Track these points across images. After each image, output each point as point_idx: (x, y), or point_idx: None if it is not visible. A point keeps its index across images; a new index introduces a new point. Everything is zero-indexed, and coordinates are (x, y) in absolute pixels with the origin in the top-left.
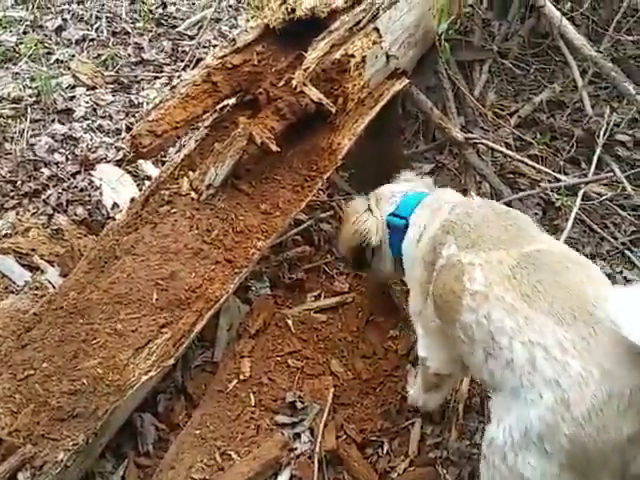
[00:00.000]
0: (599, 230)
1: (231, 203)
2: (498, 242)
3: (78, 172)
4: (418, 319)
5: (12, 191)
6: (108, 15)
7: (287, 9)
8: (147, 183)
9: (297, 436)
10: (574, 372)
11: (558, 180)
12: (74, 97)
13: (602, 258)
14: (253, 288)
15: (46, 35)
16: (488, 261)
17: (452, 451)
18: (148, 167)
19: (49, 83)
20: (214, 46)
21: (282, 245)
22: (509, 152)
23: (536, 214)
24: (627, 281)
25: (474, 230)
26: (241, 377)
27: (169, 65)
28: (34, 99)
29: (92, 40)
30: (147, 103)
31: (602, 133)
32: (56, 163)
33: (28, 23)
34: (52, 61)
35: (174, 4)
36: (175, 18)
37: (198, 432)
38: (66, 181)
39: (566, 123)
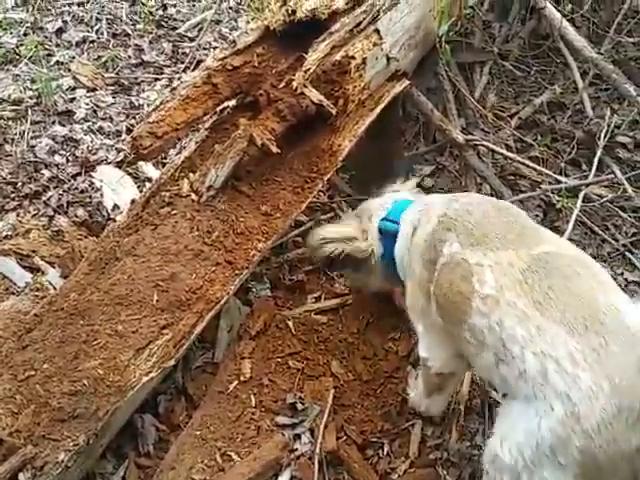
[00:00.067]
0: (600, 232)
1: (231, 205)
2: (505, 241)
3: (79, 174)
4: (418, 318)
5: (13, 192)
6: (108, 17)
7: (287, 11)
8: (147, 185)
9: (297, 437)
10: (584, 386)
11: (559, 182)
12: (74, 99)
13: (603, 260)
14: (254, 289)
15: (46, 37)
16: (498, 262)
17: (453, 452)
18: (148, 169)
19: (49, 85)
20: (214, 48)
21: (283, 246)
22: (510, 154)
23: (537, 216)
24: (628, 282)
25: (477, 227)
26: (241, 378)
27: (169, 67)
28: (34, 101)
29: (92, 42)
30: (147, 105)
31: (603, 135)
32: (57, 165)
33: (28, 25)
34: (52, 63)
35: (174, 6)
36: (175, 20)
37: (198, 433)
38: (67, 183)
39: (567, 125)
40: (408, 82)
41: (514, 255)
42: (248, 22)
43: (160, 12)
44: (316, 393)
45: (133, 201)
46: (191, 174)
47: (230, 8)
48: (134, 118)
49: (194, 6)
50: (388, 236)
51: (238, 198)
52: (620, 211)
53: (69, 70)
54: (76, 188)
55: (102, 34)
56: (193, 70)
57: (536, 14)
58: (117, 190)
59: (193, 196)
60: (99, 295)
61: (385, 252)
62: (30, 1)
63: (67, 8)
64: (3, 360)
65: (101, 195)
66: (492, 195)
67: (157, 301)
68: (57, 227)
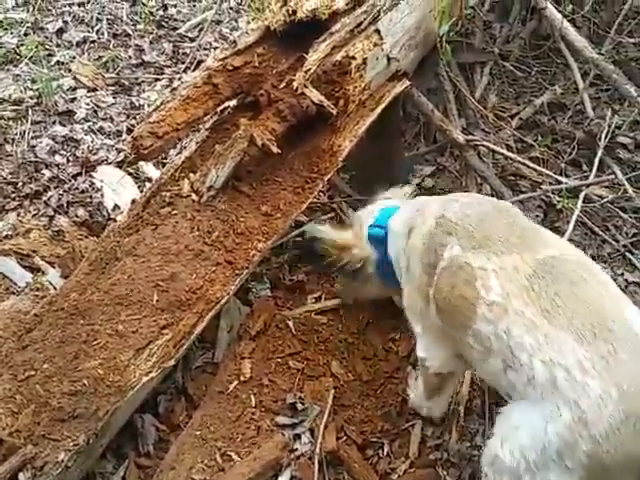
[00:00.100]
0: (600, 232)
1: (232, 205)
2: (509, 245)
3: (79, 174)
4: (416, 319)
5: (13, 192)
6: (109, 17)
7: (288, 11)
8: (148, 185)
9: (297, 437)
10: (593, 393)
11: (559, 182)
12: (75, 99)
13: (603, 261)
14: (254, 290)
15: (47, 37)
16: (502, 267)
17: (453, 453)
18: (149, 169)
19: (50, 85)
20: (215, 48)
21: (283, 247)
22: (510, 154)
23: (537, 216)
24: (628, 283)
25: (477, 230)
26: (242, 378)
27: (170, 67)
28: (35, 101)
29: (93, 42)
30: (148, 105)
31: (603, 135)
32: (57, 165)
33: (29, 25)
34: (53, 63)
35: (175, 6)
36: (176, 20)
37: (198, 433)
38: (67, 183)
39: (567, 125)
40: (409, 82)
41: (519, 259)
42: (248, 22)
43: (161, 12)
44: (316, 393)
45: (133, 201)
46: (192, 174)
47: (231, 8)
48: (134, 118)
49: (194, 6)
50: (377, 242)
51: (238, 198)
52: (621, 212)
53: (70, 70)
54: (76, 188)
55: (103, 34)
56: (194, 70)
57: (537, 14)
58: (117, 190)
59: (193, 196)
60: (99, 295)
61: (378, 258)
62: (31, 1)
63: (68, 8)
64: (3, 360)
65: (101, 195)
66: (493, 195)
67: (157, 301)
68: (57, 227)
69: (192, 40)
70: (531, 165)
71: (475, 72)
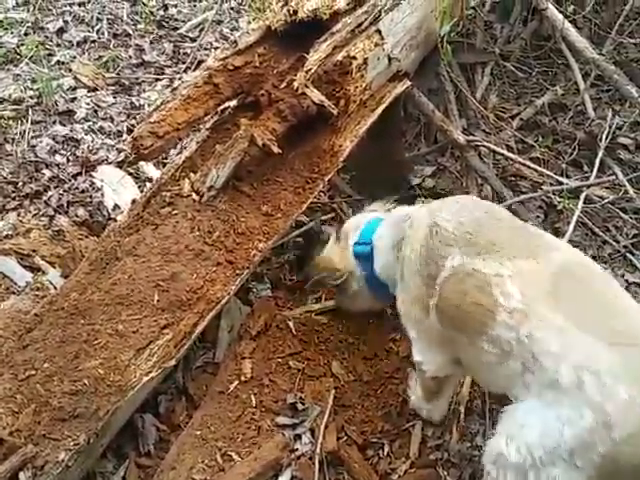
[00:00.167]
0: (601, 233)
1: (232, 205)
2: (518, 249)
3: (79, 173)
4: (411, 325)
5: (13, 192)
6: (109, 17)
7: (289, 11)
8: (148, 185)
9: (298, 437)
10: (620, 398)
11: (560, 183)
12: (75, 99)
13: (604, 261)
14: (254, 290)
15: (47, 37)
16: (518, 272)
17: (453, 453)
18: (149, 169)
19: (50, 85)
20: (215, 48)
21: (283, 247)
22: (511, 155)
23: (538, 217)
24: (629, 284)
25: (478, 236)
26: (242, 378)
27: (170, 67)
28: (35, 100)
29: (93, 42)
30: (148, 105)
31: (604, 136)
32: (57, 164)
33: (29, 25)
34: (53, 63)
35: (175, 6)
36: (176, 20)
37: (199, 433)
38: (67, 182)
39: (568, 126)
40: (409, 83)
41: (535, 264)
42: (249, 22)
43: (161, 12)
44: (316, 393)
45: (134, 201)
46: (192, 174)
47: (231, 8)
48: (135, 118)
49: (195, 6)
50: (364, 259)
51: (239, 198)
52: (621, 212)
53: (70, 70)
54: (77, 188)
55: (103, 34)
56: (194, 70)
57: (538, 15)
58: (118, 190)
59: (194, 196)
60: (100, 295)
61: (366, 274)
62: (31, 1)
63: (68, 8)
64: (4, 359)
65: (102, 195)
66: (494, 196)
67: (158, 301)
68: (58, 227)
69: (193, 40)
70: (532, 166)
71: (476, 72)
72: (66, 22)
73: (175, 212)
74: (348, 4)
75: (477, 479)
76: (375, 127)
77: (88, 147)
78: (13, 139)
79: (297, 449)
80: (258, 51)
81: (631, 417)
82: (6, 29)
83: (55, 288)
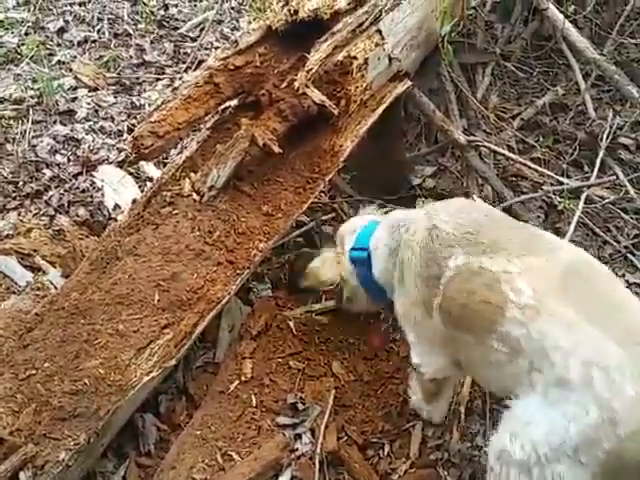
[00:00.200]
0: (601, 233)
1: (233, 204)
2: (525, 247)
3: (80, 173)
4: (410, 328)
5: (14, 192)
6: (110, 17)
7: (289, 11)
8: (149, 184)
9: (298, 437)
10: (627, 395)
11: (561, 183)
12: (76, 98)
13: (604, 262)
14: (255, 289)
15: (48, 36)
16: (528, 269)
17: (453, 453)
18: (150, 168)
19: (51, 84)
20: (216, 48)
21: (284, 247)
22: (511, 155)
23: (538, 217)
24: (629, 284)
25: (480, 235)
26: (242, 378)
27: (171, 67)
28: (36, 100)
29: (94, 41)
30: (149, 105)
31: (605, 136)
32: (58, 164)
33: (30, 24)
34: (54, 62)
35: (176, 6)
36: (177, 20)
37: (199, 432)
38: (68, 182)
39: (569, 126)
40: (410, 83)
41: (544, 261)
42: (250, 22)
43: (162, 12)
44: (317, 393)
45: (134, 201)
46: (192, 174)
47: (232, 8)
48: (135, 118)
49: (196, 6)
50: (361, 264)
51: (239, 198)
52: (622, 213)
53: (70, 70)
54: (77, 188)
55: (104, 34)
56: (195, 70)
57: (538, 15)
58: (118, 190)
59: (194, 196)
60: (100, 294)
61: (363, 279)
62: (32, 1)
63: (68, 8)
64: (4, 359)
65: (102, 195)
66: (494, 196)
67: (158, 301)
68: (58, 226)
69: (193, 40)
70: (532, 166)
71: (477, 73)
72: (67, 22)
73: (176, 212)
74: (349, 4)
75: (477, 479)
76: (376, 127)
77: (89, 147)
78: (14, 139)
79: (297, 449)
80: (259, 51)
81: (637, 414)
82: (7, 29)
83: (55, 288)
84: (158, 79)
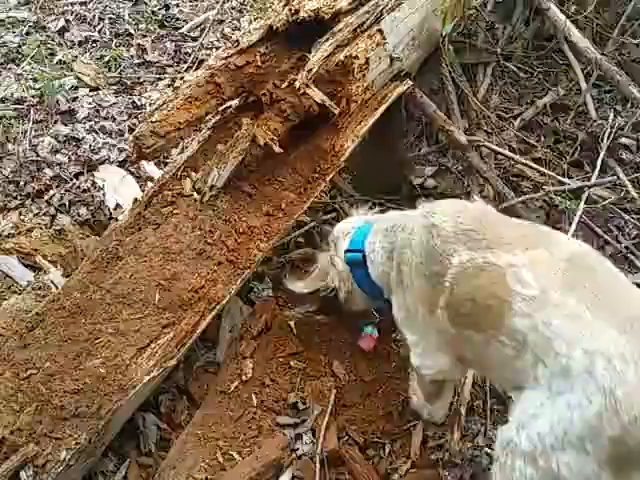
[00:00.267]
0: (602, 234)
1: (234, 204)
2: (529, 241)
3: (81, 173)
4: (413, 329)
5: (15, 191)
6: (111, 16)
7: (290, 10)
8: (150, 184)
9: (299, 437)
10: (630, 383)
11: (562, 183)
12: (77, 98)
13: None
14: (255, 289)
15: (49, 36)
16: (533, 262)
17: (454, 453)
18: (151, 168)
19: (52, 84)
20: (217, 48)
21: (285, 247)
22: (513, 155)
23: (539, 217)
24: None
25: (483, 231)
26: (243, 378)
27: (172, 67)
28: (37, 100)
29: (95, 41)
30: (150, 104)
31: (606, 136)
32: (59, 164)
33: (31, 24)
34: (55, 62)
35: (177, 6)
36: (178, 20)
37: (200, 432)
38: (69, 182)
39: (570, 126)
40: (411, 82)
41: (548, 254)
42: (251, 22)
43: (163, 12)
44: (317, 393)
45: (135, 200)
46: (193, 173)
47: (233, 8)
48: (136, 118)
49: (197, 6)
50: (356, 265)
51: (240, 198)
52: (623, 213)
53: (72, 69)
54: (78, 187)
55: (105, 33)
56: (196, 70)
57: (540, 15)
58: (119, 189)
59: (195, 195)
60: (101, 294)
61: (359, 280)
62: (33, 0)
63: (70, 7)
64: (5, 358)
65: (103, 194)
66: (495, 196)
67: (159, 300)
68: (59, 226)
69: (194, 40)
70: (533, 166)
71: (478, 73)
72: (68, 21)
73: (176, 211)
74: (350, 4)
75: (478, 479)
76: (377, 127)
77: (90, 146)
78: (15, 138)
79: (298, 449)
80: (260, 51)
81: (639, 399)
82: (8, 28)
83: (56, 287)
84: (159, 79)
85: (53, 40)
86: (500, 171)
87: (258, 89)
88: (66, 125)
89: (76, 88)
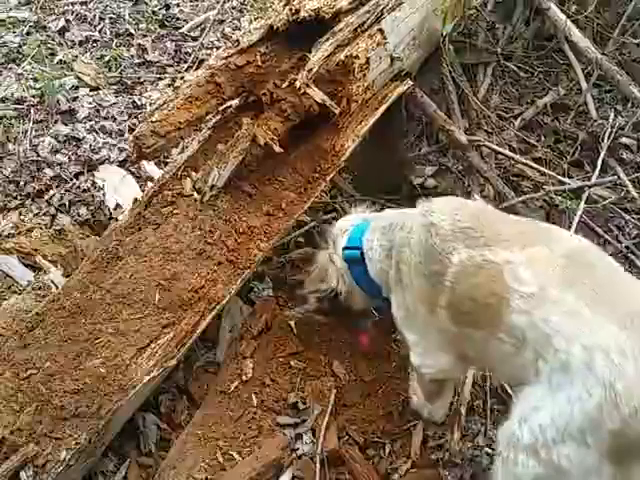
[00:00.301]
0: (603, 233)
1: (234, 204)
2: (527, 238)
3: (81, 173)
4: (413, 329)
5: (15, 191)
6: (111, 16)
7: (291, 10)
8: (150, 184)
9: (299, 437)
10: (629, 376)
11: (562, 183)
12: (77, 98)
13: None
14: (256, 289)
15: (49, 36)
16: (531, 259)
17: (454, 453)
18: (151, 168)
19: (52, 84)
20: (217, 47)
21: (285, 246)
22: (513, 155)
23: (540, 217)
24: None
25: (481, 229)
26: (243, 378)
27: (172, 66)
28: (37, 100)
29: (95, 41)
30: (150, 104)
31: (606, 136)
32: (59, 164)
33: (32, 24)
34: (55, 62)
35: (177, 5)
36: (178, 19)
37: (200, 432)
38: (69, 182)
39: (570, 126)
40: (412, 82)
41: (547, 250)
42: (251, 22)
43: (163, 12)
44: (318, 393)
45: (135, 200)
46: (194, 173)
47: (233, 8)
48: (137, 117)
49: (197, 6)
50: (354, 263)
51: (241, 198)
52: (623, 213)
53: (72, 69)
54: (78, 187)
55: (105, 33)
56: (196, 70)
57: (540, 15)
58: (119, 189)
59: (196, 195)
60: (101, 294)
61: (358, 278)
62: (33, 0)
63: (70, 7)
64: (5, 358)
65: (103, 194)
66: (495, 196)
67: (159, 300)
68: (59, 226)
69: (195, 39)
70: (534, 166)
71: (478, 72)
72: (68, 21)
73: (177, 211)
74: (350, 3)
75: (478, 479)
76: (377, 127)
77: (90, 146)
78: (15, 138)
79: (298, 448)
80: (260, 50)
81: (638, 392)
82: (8, 28)
83: (57, 287)
84: (159, 79)
85: (53, 40)
86: (500, 171)
87: (258, 89)
88: (66, 125)
89: (76, 88)
